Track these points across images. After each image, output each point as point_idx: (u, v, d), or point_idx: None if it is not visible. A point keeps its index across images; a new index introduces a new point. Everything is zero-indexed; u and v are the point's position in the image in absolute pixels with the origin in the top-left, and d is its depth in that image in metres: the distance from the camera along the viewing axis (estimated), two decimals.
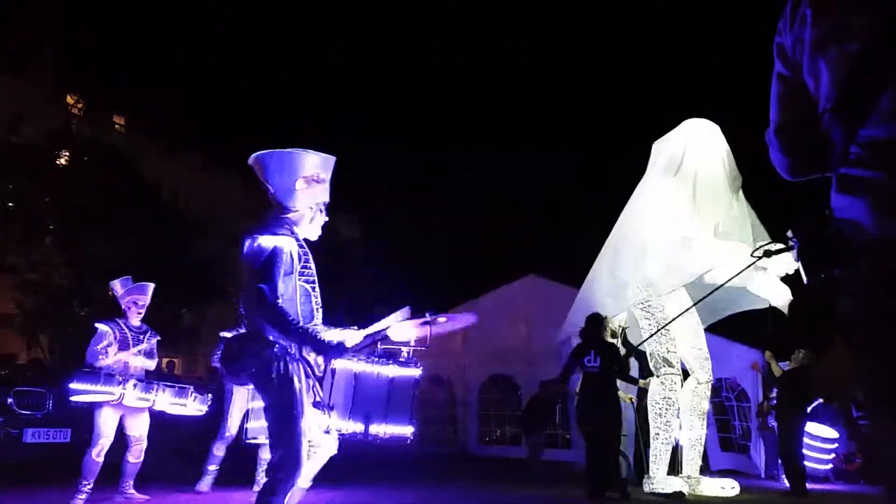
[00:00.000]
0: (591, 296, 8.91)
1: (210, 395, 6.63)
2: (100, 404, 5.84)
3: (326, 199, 3.53)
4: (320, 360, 3.29)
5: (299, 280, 3.33)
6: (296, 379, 3.22)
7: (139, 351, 6.11)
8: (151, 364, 6.36)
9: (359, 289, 20.79)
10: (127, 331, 6.13)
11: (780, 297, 8.24)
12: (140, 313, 6.27)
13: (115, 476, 6.24)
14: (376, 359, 3.46)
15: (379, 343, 3.71)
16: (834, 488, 9.94)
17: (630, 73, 42.74)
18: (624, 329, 8.71)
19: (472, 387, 13.68)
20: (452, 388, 14.16)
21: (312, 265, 3.44)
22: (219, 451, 6.98)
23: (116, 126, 22.98)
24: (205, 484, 6.91)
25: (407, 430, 3.52)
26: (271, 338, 3.22)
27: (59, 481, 7.03)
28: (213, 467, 6.95)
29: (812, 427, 9.93)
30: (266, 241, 3.25)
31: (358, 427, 3.31)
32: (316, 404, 3.31)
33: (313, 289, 3.40)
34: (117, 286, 6.36)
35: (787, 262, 7.73)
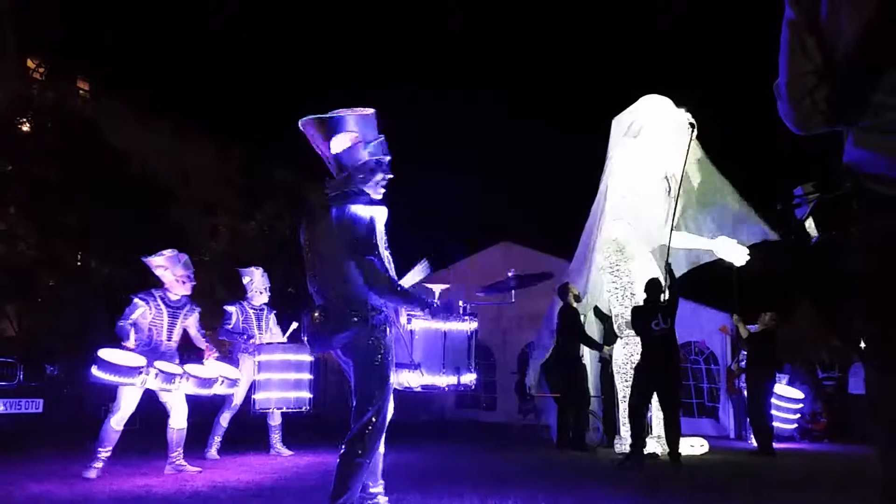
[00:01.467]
0: (576, 261, 9.19)
1: (238, 379, 6.52)
2: (117, 384, 5.63)
3: (387, 158, 3.50)
4: (403, 320, 3.51)
5: (384, 249, 3.41)
6: (389, 343, 3.36)
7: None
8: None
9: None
10: (164, 306, 5.90)
11: (740, 258, 8.56)
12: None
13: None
14: (447, 315, 3.76)
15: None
16: (799, 447, 10.24)
17: (604, 39, 42.57)
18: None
19: None
20: None
21: None
22: (224, 421, 7.04)
23: (81, 92, 22.36)
24: (213, 451, 6.95)
25: (473, 377, 4.00)
26: (370, 304, 3.30)
27: (33, 450, 7.02)
28: (218, 437, 7.01)
29: (779, 388, 10.18)
30: (361, 211, 3.27)
31: (451, 380, 3.69)
32: (400, 364, 3.56)
33: (390, 255, 3.48)
34: (164, 260, 6.01)
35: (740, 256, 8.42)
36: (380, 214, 3.36)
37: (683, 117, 8.34)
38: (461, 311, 3.98)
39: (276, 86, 36.57)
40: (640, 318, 7.53)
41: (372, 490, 3.58)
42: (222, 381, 6.12)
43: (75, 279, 16.00)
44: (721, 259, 8.74)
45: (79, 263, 16.69)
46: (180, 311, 6.00)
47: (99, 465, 5.61)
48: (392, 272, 3.42)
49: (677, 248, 8.88)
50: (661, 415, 8.54)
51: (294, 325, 7.36)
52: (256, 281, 7.42)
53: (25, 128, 16.51)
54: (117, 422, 5.66)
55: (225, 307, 7.35)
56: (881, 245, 1.61)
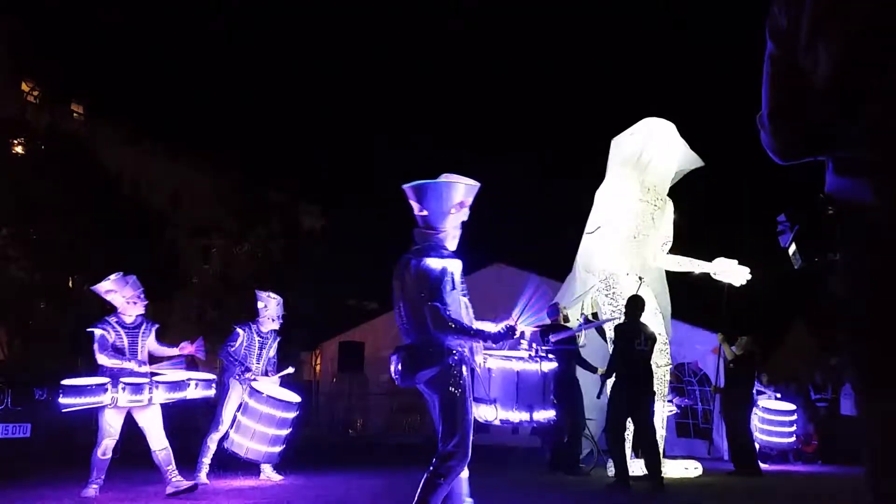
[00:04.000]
0: (568, 283, 9.29)
1: (214, 379, 6.50)
2: (100, 407, 5.66)
3: (466, 218, 3.96)
4: (479, 359, 3.89)
5: (460, 295, 3.81)
6: (466, 380, 3.74)
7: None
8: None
9: (325, 279, 20.66)
10: (121, 329, 5.89)
11: (740, 277, 8.60)
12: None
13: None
14: (528, 356, 4.17)
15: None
16: (792, 468, 10.21)
17: (599, 60, 43.00)
18: (588, 315, 9.01)
19: None
20: None
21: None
22: (212, 442, 6.95)
23: (75, 114, 22.41)
24: (202, 475, 6.86)
25: (551, 414, 4.41)
26: (446, 346, 3.70)
27: (21, 475, 6.94)
28: (206, 460, 6.93)
29: (768, 403, 10.17)
30: (434, 263, 3.71)
31: (524, 416, 4.07)
32: (478, 399, 3.93)
33: (468, 301, 3.90)
34: (111, 284, 6.00)
35: (740, 276, 8.52)
36: (454, 266, 3.77)
37: (690, 155, 8.52)
38: (535, 352, 4.34)
39: (268, 105, 36.77)
40: (624, 337, 7.52)
41: None
42: (196, 384, 6.07)
43: (67, 303, 15.91)
44: (718, 280, 8.75)
45: (70, 286, 16.61)
46: (138, 331, 5.99)
47: (95, 486, 5.69)
48: (466, 316, 3.81)
49: (673, 269, 8.97)
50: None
51: (290, 369, 7.38)
52: (271, 308, 7.32)
53: (19, 149, 16.53)
54: (102, 452, 5.69)
55: (235, 327, 7.19)
56: (863, 271, 1.64)
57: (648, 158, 8.59)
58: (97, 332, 5.84)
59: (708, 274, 8.79)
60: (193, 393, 6.06)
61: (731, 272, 8.57)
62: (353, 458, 9.57)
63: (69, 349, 14.95)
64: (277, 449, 7.00)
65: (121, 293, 5.98)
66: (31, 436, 8.39)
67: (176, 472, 5.92)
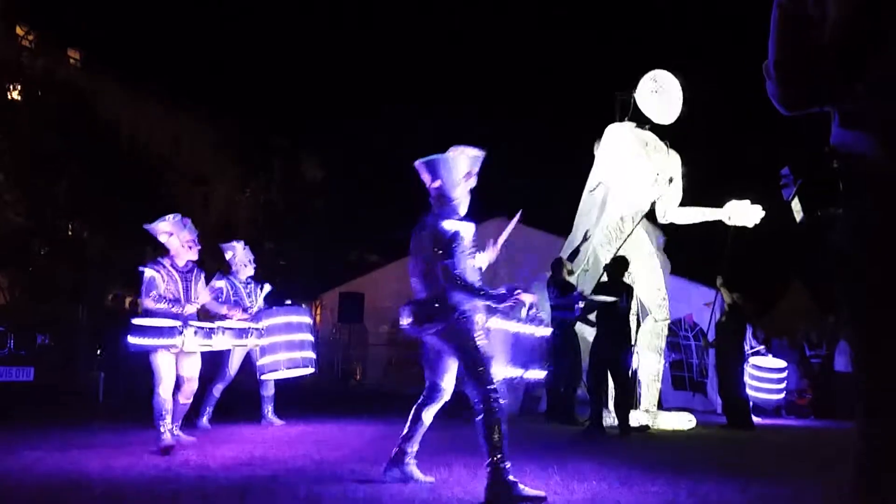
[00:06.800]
0: (570, 240, 9.33)
1: (262, 329, 6.69)
2: (155, 347, 5.52)
3: (474, 185, 4.30)
4: (480, 318, 4.12)
5: (469, 257, 4.13)
6: (475, 331, 4.02)
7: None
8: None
9: (325, 231, 20.66)
10: (175, 273, 5.70)
11: (754, 217, 8.54)
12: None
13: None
14: (525, 320, 4.47)
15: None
16: (784, 423, 10.38)
17: (597, 23, 42.15)
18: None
19: None
20: None
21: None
22: (217, 392, 7.10)
23: (71, 60, 22.07)
24: (205, 420, 7.01)
25: (541, 375, 4.79)
26: (452, 302, 3.99)
27: (25, 419, 7.06)
28: (210, 408, 7.08)
29: (760, 360, 10.28)
30: (449, 225, 4.04)
31: (517, 372, 4.40)
32: None
33: (474, 262, 4.23)
34: (169, 226, 5.76)
35: (753, 215, 8.46)
36: (466, 230, 4.10)
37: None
38: (532, 317, 4.63)
39: (269, 54, 36.21)
40: (608, 295, 7.70)
41: (409, 450, 4.23)
42: (253, 333, 6.24)
43: (67, 248, 15.94)
44: (727, 225, 8.70)
45: (70, 233, 16.62)
46: (191, 275, 5.82)
47: (168, 436, 5.45)
48: (473, 276, 4.11)
49: (685, 222, 8.97)
50: (650, 388, 8.71)
51: (267, 287, 7.39)
52: (239, 255, 7.42)
53: (15, 95, 16.34)
54: (165, 390, 5.52)
55: (214, 282, 7.18)
56: (866, 226, 1.63)
57: (646, 112, 8.61)
58: (147, 272, 5.61)
59: (721, 220, 8.73)
60: (251, 342, 6.22)
61: (743, 213, 8.52)
62: (352, 407, 9.72)
63: (70, 295, 15.04)
64: (310, 354, 7.06)
65: (178, 236, 5.74)
66: (35, 380, 8.50)
67: (178, 426, 5.94)
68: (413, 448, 4.24)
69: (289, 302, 7.49)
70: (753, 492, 4.13)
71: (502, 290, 4.03)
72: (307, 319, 7.21)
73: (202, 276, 5.97)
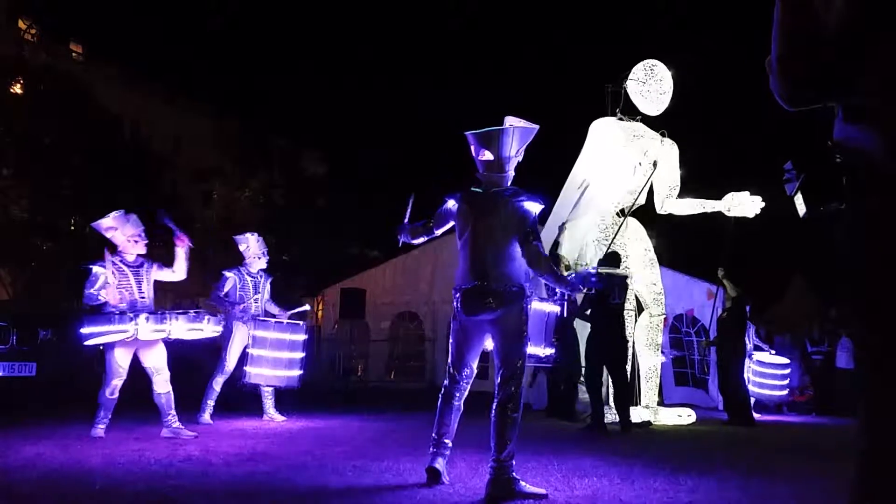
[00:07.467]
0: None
1: (222, 316, 6.59)
2: (112, 343, 5.62)
3: (521, 159, 4.12)
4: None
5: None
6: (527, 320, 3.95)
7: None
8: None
9: (327, 227, 20.63)
10: (124, 267, 5.80)
11: (753, 208, 8.53)
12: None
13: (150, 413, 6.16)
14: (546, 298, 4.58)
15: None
16: (785, 419, 10.37)
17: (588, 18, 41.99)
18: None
19: (440, 323, 13.88)
20: (422, 324, 14.35)
21: None
22: (217, 385, 7.10)
23: (74, 54, 22.05)
24: (206, 416, 7.00)
25: (550, 352, 4.85)
26: (527, 285, 3.92)
27: (27, 414, 7.07)
28: (211, 402, 7.06)
29: (763, 356, 10.26)
30: (532, 207, 3.93)
31: (535, 350, 4.47)
32: None
33: None
34: (112, 221, 5.87)
35: (753, 207, 8.43)
36: (538, 209, 3.98)
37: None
38: (553, 295, 4.67)
39: (271, 52, 36.15)
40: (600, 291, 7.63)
41: (446, 441, 4.06)
42: (209, 320, 6.05)
43: (70, 243, 15.95)
44: (728, 217, 8.67)
45: (72, 228, 16.63)
46: (141, 269, 5.90)
47: (102, 426, 5.73)
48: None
49: (684, 214, 8.96)
50: (648, 384, 8.72)
51: (306, 307, 7.46)
52: (252, 247, 7.45)
53: (17, 89, 16.32)
54: (110, 392, 5.71)
55: (223, 272, 7.36)
56: (868, 221, 1.62)
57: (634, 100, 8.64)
58: (94, 269, 5.74)
59: (720, 212, 8.72)
60: (207, 328, 6.04)
61: (743, 204, 8.51)
62: (354, 402, 9.75)
63: (73, 289, 15.05)
64: (296, 372, 7.12)
65: (122, 231, 5.88)
66: (37, 375, 8.50)
67: (175, 417, 5.98)
68: (449, 440, 4.07)
69: (289, 315, 7.49)
70: (754, 488, 4.13)
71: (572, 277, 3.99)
72: (301, 337, 7.20)
73: (153, 267, 6.02)
